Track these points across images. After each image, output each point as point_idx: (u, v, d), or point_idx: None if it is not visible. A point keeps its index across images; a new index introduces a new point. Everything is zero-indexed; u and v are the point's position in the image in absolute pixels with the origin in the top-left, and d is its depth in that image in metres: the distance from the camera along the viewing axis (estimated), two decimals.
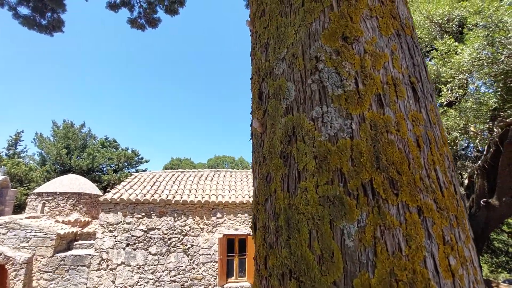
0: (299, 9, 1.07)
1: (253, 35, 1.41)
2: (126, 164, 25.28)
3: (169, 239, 10.15)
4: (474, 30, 7.02)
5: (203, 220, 10.49)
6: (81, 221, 12.61)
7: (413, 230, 0.71)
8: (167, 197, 10.31)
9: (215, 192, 11.07)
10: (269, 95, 1.11)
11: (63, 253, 9.96)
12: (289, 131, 0.95)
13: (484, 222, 9.99)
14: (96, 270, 9.56)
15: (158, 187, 11.09)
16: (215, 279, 10.03)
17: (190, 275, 9.95)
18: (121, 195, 10.09)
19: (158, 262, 9.95)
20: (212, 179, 12.33)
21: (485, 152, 9.45)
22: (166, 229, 10.22)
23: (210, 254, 10.25)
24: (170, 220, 10.30)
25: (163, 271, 9.83)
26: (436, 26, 9.27)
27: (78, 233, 11.55)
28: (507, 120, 7.31)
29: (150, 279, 9.69)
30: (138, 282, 9.60)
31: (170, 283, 9.76)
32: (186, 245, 10.23)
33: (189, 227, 10.37)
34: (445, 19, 8.89)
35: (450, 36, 8.20)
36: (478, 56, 6.55)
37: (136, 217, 10.12)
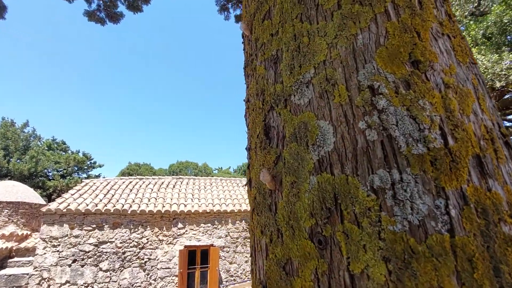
0: (333, 13, 0.73)
1: (251, 43, 1.04)
2: (76, 169, 22.75)
3: (124, 253, 9.22)
4: None
5: (162, 231, 9.72)
6: (18, 235, 10.89)
7: None
8: (123, 206, 9.35)
9: (177, 201, 10.34)
10: (284, 133, 0.76)
11: None
12: (327, 200, 0.60)
13: None
14: None
15: (113, 195, 10.01)
16: None
17: None
18: (68, 205, 8.90)
19: (110, 279, 8.95)
20: (174, 186, 11.53)
21: None
22: (121, 242, 9.26)
23: (170, 268, 9.52)
24: (125, 232, 9.36)
25: None
26: None
27: (14, 248, 9.94)
28: None
29: None
30: None
31: None
32: (142, 259, 9.37)
33: (147, 239, 9.53)
34: None
35: None
36: None
37: (85, 230, 9.01)
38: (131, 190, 10.68)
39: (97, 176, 21.67)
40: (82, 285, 8.80)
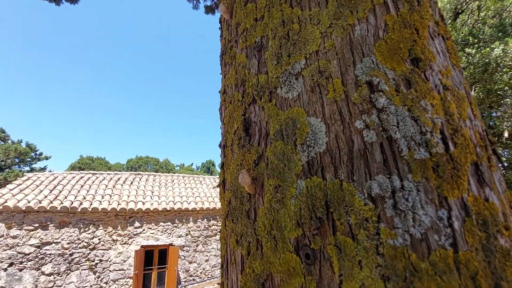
0: (328, 0, 0.67)
1: (230, 29, 0.94)
2: (17, 161, 20.31)
3: (71, 254, 8.44)
4: None
5: (117, 231, 9.08)
6: None
7: None
8: (72, 204, 8.53)
9: (135, 198, 9.73)
10: (268, 130, 0.67)
11: None
12: (317, 208, 0.53)
13: None
14: None
15: (60, 191, 9.08)
16: None
17: None
18: (5, 201, 7.87)
19: (54, 283, 8.13)
20: (131, 183, 10.83)
21: None
22: (68, 243, 8.46)
23: (124, 270, 8.94)
24: (73, 232, 8.57)
25: None
26: None
27: None
28: None
29: None
30: None
31: None
32: (93, 261, 8.67)
33: (99, 239, 8.84)
34: None
35: None
36: None
37: (26, 229, 8.06)
38: (82, 186, 9.83)
39: (43, 170, 19.61)
40: None
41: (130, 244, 9.38)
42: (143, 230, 9.67)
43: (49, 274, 8.30)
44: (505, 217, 0.50)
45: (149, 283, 9.57)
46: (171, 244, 9.88)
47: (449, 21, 9.61)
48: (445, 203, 0.46)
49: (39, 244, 8.32)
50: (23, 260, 8.14)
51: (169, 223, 10.04)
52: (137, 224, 9.59)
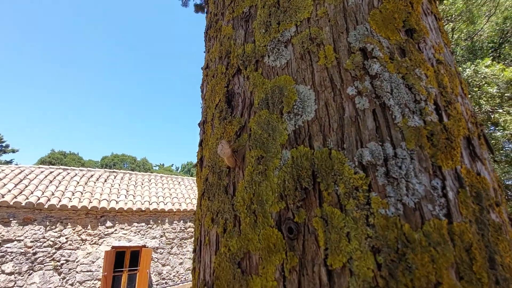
0: None
1: (217, 2, 0.89)
2: None
3: (35, 253, 7.90)
4: None
5: (86, 230, 8.62)
6: None
7: None
8: (38, 199, 8.01)
9: (108, 197, 9.29)
10: (252, 100, 0.62)
11: None
12: (303, 178, 0.48)
13: None
14: None
15: (27, 186, 8.51)
16: None
17: None
18: None
19: (15, 283, 7.56)
20: (105, 180, 10.35)
21: None
22: (32, 241, 7.93)
23: (92, 271, 8.47)
24: (38, 230, 8.04)
25: None
26: None
27: None
28: None
29: None
30: None
31: None
32: (58, 261, 8.16)
33: (66, 238, 8.35)
34: None
35: None
36: None
37: None
38: (51, 182, 9.27)
39: (8, 163, 18.39)
40: None
41: (100, 245, 8.94)
42: (115, 230, 9.25)
43: (10, 274, 7.75)
44: (496, 193, 0.48)
45: (118, 286, 9.13)
46: (144, 246, 9.50)
47: None
48: (439, 173, 0.43)
49: (0, 241, 7.75)
50: None
51: (143, 224, 9.68)
52: (109, 223, 9.16)
